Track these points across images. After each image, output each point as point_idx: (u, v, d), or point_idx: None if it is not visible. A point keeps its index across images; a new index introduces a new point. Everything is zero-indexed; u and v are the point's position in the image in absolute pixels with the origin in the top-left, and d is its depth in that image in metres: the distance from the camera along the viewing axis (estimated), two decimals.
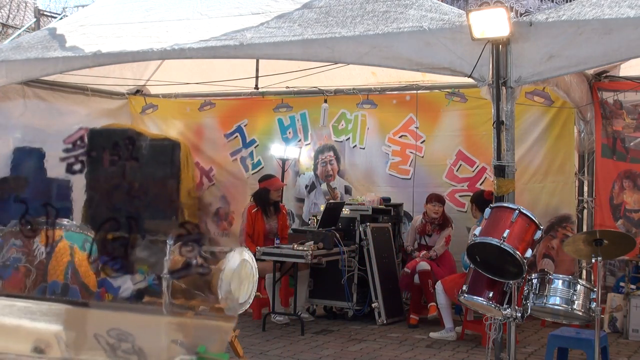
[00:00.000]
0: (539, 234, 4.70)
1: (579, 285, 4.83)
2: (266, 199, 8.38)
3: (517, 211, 4.69)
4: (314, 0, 6.38)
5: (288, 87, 9.45)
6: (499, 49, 5.54)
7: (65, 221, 3.11)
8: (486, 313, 5.16)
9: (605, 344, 5.65)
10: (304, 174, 9.98)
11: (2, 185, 8.98)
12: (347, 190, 9.68)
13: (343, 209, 8.39)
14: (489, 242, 4.62)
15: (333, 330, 7.75)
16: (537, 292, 4.82)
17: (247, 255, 2.75)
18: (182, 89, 9.94)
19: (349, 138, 9.69)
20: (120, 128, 9.34)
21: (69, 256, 3.27)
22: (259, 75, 8.82)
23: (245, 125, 10.22)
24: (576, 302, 4.77)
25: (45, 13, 12.03)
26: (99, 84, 9.30)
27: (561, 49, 5.45)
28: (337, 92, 9.46)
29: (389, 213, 8.72)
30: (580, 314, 4.80)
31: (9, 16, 19.41)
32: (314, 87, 9.32)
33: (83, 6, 11.05)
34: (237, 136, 10.26)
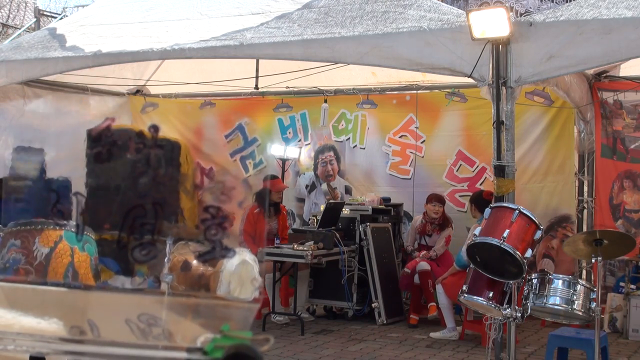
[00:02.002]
0: (539, 234, 4.71)
1: (579, 285, 4.84)
2: (264, 200, 8.39)
3: (517, 211, 4.70)
4: (314, 1, 6.38)
5: (288, 87, 9.44)
6: (499, 49, 5.54)
7: (64, 222, 3.11)
8: (486, 313, 5.16)
9: (605, 344, 5.65)
10: (304, 174, 9.98)
11: (2, 185, 8.97)
12: (348, 190, 9.68)
13: (343, 209, 8.40)
14: (489, 242, 4.63)
15: (333, 330, 7.75)
16: (537, 292, 4.82)
17: (248, 255, 2.74)
18: (182, 89, 9.94)
19: (349, 138, 9.69)
20: (120, 128, 9.33)
21: (69, 257, 3.27)
22: (259, 75, 8.82)
23: (246, 124, 10.22)
24: (576, 302, 4.77)
25: (45, 13, 12.01)
26: (99, 84, 9.30)
27: (561, 49, 5.45)
28: (337, 92, 9.46)
29: (389, 213, 8.72)
30: (580, 314, 4.80)
31: (9, 16, 19.41)
32: (314, 87, 9.31)
33: (83, 6, 11.06)
34: (237, 134, 10.26)
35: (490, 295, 4.79)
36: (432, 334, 7.43)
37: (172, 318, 1.62)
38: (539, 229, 4.71)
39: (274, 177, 8.81)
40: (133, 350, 1.37)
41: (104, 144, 1.74)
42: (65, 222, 3.21)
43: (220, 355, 1.17)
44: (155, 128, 1.80)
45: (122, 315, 1.59)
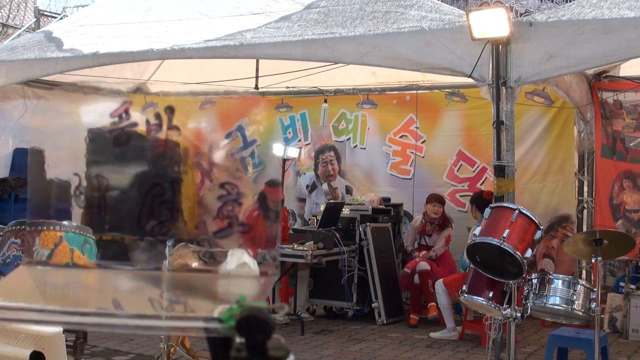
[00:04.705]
0: (538, 234, 4.70)
1: (579, 285, 4.84)
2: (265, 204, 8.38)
3: (517, 211, 4.69)
4: (315, 1, 6.38)
5: (288, 87, 9.44)
6: (499, 49, 5.54)
7: (64, 222, 3.11)
8: (486, 313, 5.16)
9: (605, 343, 5.65)
10: (304, 174, 9.98)
11: (2, 185, 8.98)
12: (348, 190, 9.68)
13: (343, 209, 8.39)
14: (489, 242, 4.63)
15: (333, 330, 7.75)
16: (537, 292, 4.82)
17: (247, 257, 2.73)
18: (183, 88, 9.94)
19: (349, 138, 9.69)
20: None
21: (69, 259, 3.27)
22: (259, 75, 8.82)
23: (245, 125, 10.21)
24: (576, 302, 4.77)
25: (45, 13, 12.02)
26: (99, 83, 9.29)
27: (561, 49, 5.45)
28: (337, 92, 9.46)
29: (389, 213, 8.72)
30: (580, 314, 4.80)
31: (9, 16, 19.41)
32: (314, 87, 9.31)
33: (83, 6, 11.05)
34: (237, 135, 10.24)
35: (490, 295, 4.79)
36: (432, 334, 7.43)
37: (194, 294, 1.67)
38: (539, 229, 4.71)
39: (273, 185, 8.78)
40: (152, 321, 1.41)
41: (123, 127, 1.77)
42: (65, 223, 3.20)
43: (234, 323, 1.22)
44: (170, 109, 1.81)
45: (146, 293, 1.63)
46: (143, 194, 1.79)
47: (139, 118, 1.86)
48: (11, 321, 1.43)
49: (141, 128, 1.86)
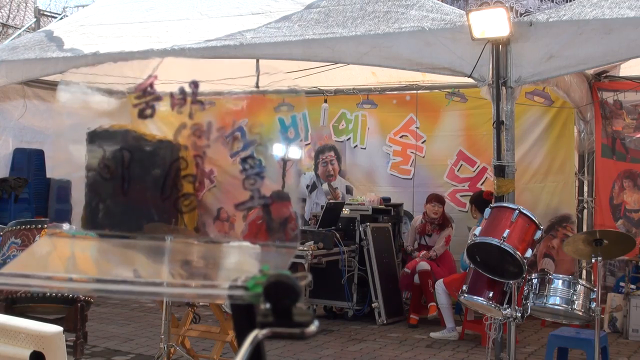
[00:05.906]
0: (539, 234, 4.71)
1: (579, 285, 4.84)
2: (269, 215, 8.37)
3: (517, 211, 4.70)
4: (315, 1, 6.38)
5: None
6: (499, 49, 5.55)
7: (64, 225, 3.10)
8: (486, 313, 5.16)
9: (605, 343, 5.65)
10: (305, 174, 9.99)
11: (2, 185, 8.99)
12: (349, 190, 9.68)
13: (343, 209, 8.39)
14: (489, 242, 4.63)
15: (333, 330, 7.75)
16: (537, 292, 4.82)
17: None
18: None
19: (349, 138, 9.69)
20: (121, 129, 9.34)
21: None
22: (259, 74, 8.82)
23: (245, 125, 10.22)
24: (576, 302, 4.77)
25: (45, 13, 12.01)
26: (99, 82, 9.30)
27: (561, 49, 5.46)
28: (337, 92, 9.47)
29: (389, 213, 8.72)
30: (580, 314, 4.80)
31: (9, 16, 19.41)
32: (314, 87, 9.31)
33: (83, 6, 11.04)
34: (238, 136, 10.25)
35: (490, 295, 4.79)
36: (432, 334, 7.43)
37: (214, 265, 1.72)
38: (539, 229, 4.71)
39: (279, 199, 8.74)
40: (177, 289, 1.43)
41: (147, 101, 1.78)
42: (65, 224, 3.20)
43: (260, 290, 1.25)
44: (195, 84, 1.81)
45: (166, 263, 1.65)
46: (167, 166, 1.82)
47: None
48: (18, 287, 1.46)
49: (144, 130, 1.85)
